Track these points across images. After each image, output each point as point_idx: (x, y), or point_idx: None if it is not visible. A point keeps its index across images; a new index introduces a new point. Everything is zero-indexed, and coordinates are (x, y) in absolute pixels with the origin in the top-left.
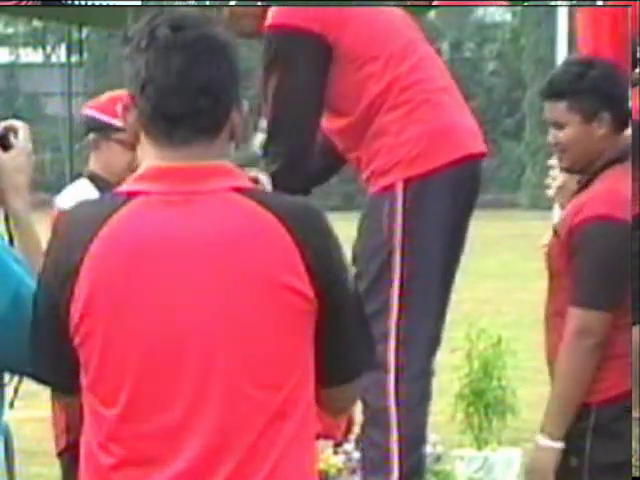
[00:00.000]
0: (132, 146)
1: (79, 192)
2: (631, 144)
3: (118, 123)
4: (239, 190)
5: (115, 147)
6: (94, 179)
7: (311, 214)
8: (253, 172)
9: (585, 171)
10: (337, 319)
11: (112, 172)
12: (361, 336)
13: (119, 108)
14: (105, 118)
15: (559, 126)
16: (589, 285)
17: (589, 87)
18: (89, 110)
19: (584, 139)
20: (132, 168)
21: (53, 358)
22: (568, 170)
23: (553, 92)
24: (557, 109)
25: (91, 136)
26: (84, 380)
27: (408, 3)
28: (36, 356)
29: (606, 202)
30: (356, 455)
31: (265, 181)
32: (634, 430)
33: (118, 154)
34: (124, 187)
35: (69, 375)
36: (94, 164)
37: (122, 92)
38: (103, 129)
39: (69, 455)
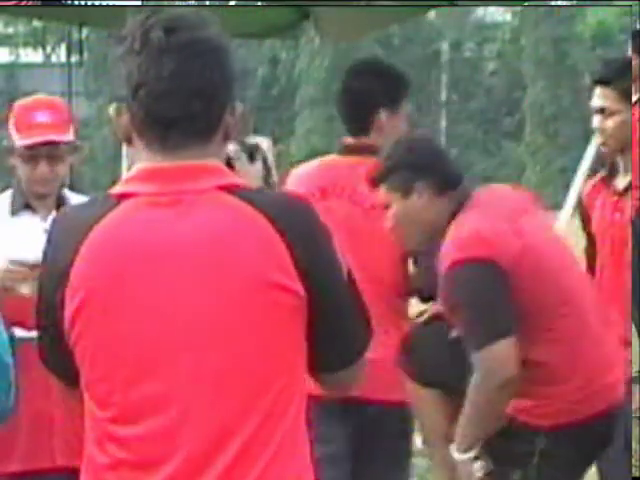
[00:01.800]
0: (29, 158)
1: None
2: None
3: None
4: (226, 188)
5: (18, 159)
6: (17, 187)
7: (298, 208)
8: (255, 138)
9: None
10: (330, 311)
11: (24, 182)
12: (356, 322)
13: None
14: (11, 127)
15: (388, 213)
16: (471, 330)
17: (396, 164)
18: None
19: (410, 212)
20: (32, 180)
21: (58, 357)
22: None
23: (373, 180)
24: (380, 194)
25: (5, 143)
26: (81, 379)
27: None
28: (43, 353)
29: (445, 254)
30: None
31: (266, 146)
32: (634, 430)
33: (20, 165)
34: (116, 189)
35: (74, 370)
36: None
37: (42, 98)
38: (11, 138)
39: None
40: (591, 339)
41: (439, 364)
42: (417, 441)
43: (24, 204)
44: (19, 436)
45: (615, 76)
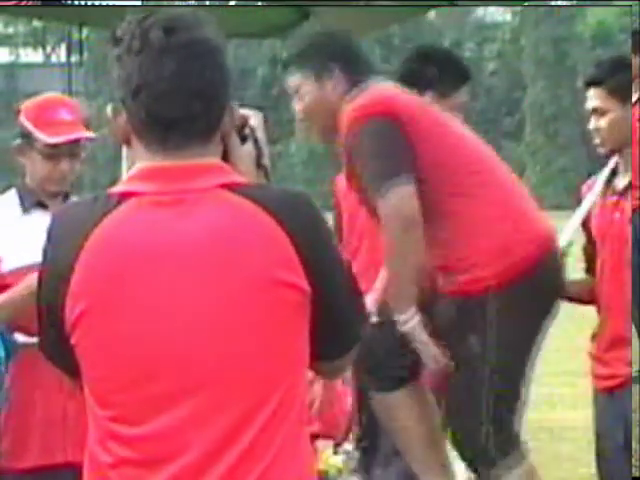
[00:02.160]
0: (51, 156)
1: None
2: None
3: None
4: (228, 186)
5: (36, 156)
6: (23, 186)
7: (301, 204)
8: (242, 111)
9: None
10: (331, 306)
11: (33, 180)
12: (353, 313)
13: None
14: (29, 126)
15: (300, 99)
16: (373, 178)
17: (315, 51)
18: (22, 114)
19: (323, 100)
20: (52, 178)
21: (59, 353)
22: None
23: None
24: (294, 80)
25: (17, 142)
26: (83, 377)
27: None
28: (44, 348)
29: (348, 117)
30: (356, 455)
31: (255, 122)
32: (634, 430)
33: (38, 163)
34: (118, 188)
35: (76, 364)
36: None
37: (55, 96)
38: (27, 137)
39: None
40: (508, 193)
41: (391, 355)
42: None
43: (35, 202)
44: (33, 433)
45: (606, 76)
